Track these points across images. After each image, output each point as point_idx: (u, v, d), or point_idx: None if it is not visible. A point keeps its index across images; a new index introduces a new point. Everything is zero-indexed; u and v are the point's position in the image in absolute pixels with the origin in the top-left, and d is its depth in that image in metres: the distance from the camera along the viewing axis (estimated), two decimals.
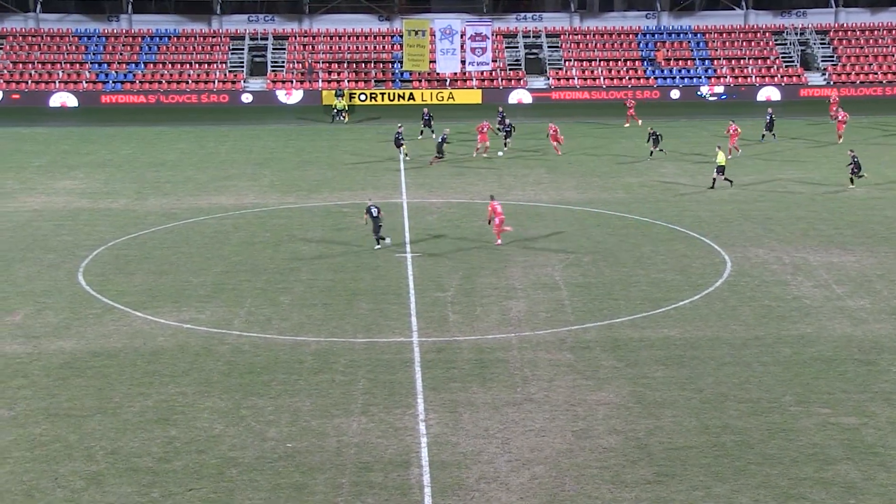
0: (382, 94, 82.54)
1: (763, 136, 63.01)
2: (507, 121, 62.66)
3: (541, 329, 30.99)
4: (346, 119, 73.56)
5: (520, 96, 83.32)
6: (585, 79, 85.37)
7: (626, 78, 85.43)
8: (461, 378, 27.30)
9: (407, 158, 56.59)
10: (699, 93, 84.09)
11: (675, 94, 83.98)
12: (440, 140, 56.71)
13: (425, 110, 66.42)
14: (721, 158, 49.94)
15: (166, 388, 26.63)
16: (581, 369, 27.90)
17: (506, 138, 61.44)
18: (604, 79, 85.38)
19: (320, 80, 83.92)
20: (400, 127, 58.31)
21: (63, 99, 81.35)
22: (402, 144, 57.27)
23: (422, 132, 64.48)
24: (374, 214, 39.42)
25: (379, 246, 39.62)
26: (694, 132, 67.32)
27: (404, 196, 49.32)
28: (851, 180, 49.82)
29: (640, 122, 69.25)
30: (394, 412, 25.20)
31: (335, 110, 74.10)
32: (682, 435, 23.96)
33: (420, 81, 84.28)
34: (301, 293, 34.47)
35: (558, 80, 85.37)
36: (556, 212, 45.81)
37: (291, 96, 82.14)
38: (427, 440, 23.68)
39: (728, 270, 36.89)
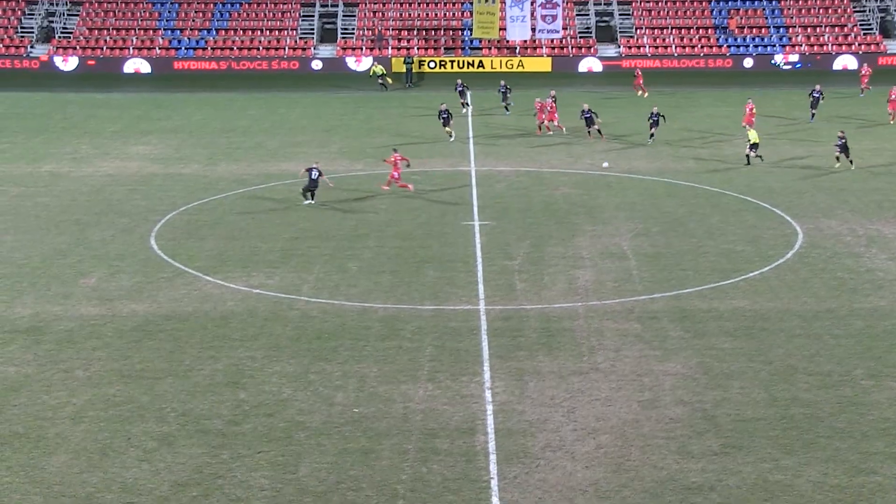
0: (452, 61, 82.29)
1: (812, 115, 59.27)
2: (469, 93, 62.82)
3: (608, 299, 30.85)
4: (391, 83, 73.32)
5: (590, 64, 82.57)
6: (657, 47, 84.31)
7: (699, 46, 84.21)
8: (527, 346, 27.30)
9: (452, 139, 54.36)
10: (773, 61, 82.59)
11: (748, 62, 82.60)
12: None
13: (459, 81, 64.53)
14: (753, 135, 48.36)
15: (236, 352, 27.01)
16: (648, 339, 27.74)
17: (462, 103, 61.50)
18: (675, 47, 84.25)
19: (390, 48, 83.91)
20: (443, 105, 55.54)
21: (137, 65, 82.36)
22: (448, 123, 54.32)
23: (464, 105, 62.42)
24: (313, 177, 41.01)
25: (307, 202, 41.10)
26: (767, 102, 66.18)
27: (473, 164, 49.25)
28: (837, 159, 47.56)
29: (645, 94, 68.16)
30: (460, 379, 25.31)
31: (377, 76, 73.52)
32: (750, 407, 23.75)
33: (490, 49, 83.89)
34: (369, 260, 34.67)
35: (629, 48, 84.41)
36: (625, 181, 45.45)
37: (361, 63, 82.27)
38: (493, 408, 23.75)
39: (799, 242, 36.36)
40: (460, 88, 63.31)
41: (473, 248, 35.83)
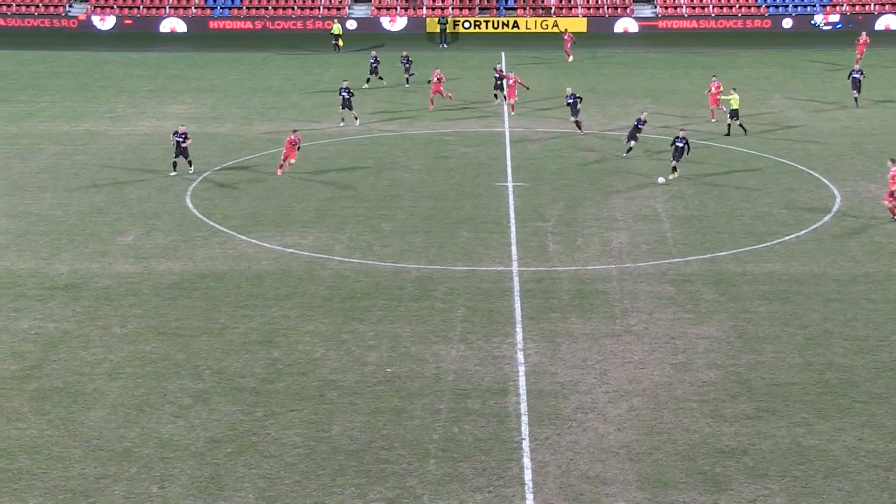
0: (486, 21, 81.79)
1: (856, 99, 52.23)
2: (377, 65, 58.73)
3: (642, 261, 30.73)
4: (341, 46, 71.80)
5: (626, 25, 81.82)
6: (694, 7, 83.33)
7: (737, 6, 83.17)
8: (560, 308, 27.29)
9: (357, 123, 48.36)
10: (813, 21, 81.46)
11: (787, 23, 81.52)
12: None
13: (404, 53, 59.84)
14: (735, 101, 45.73)
15: (270, 311, 27.18)
16: (682, 302, 27.64)
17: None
18: (713, 7, 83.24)
19: (424, 7, 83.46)
20: (344, 83, 49.12)
21: (173, 24, 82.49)
22: (349, 105, 48.32)
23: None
24: (180, 141, 39.64)
25: (174, 173, 39.90)
26: (806, 64, 65.41)
27: (507, 125, 49.06)
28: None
29: (570, 58, 66.34)
30: (492, 340, 25.35)
31: (332, 36, 72.62)
32: (785, 371, 23.65)
33: (525, 9, 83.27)
34: (402, 220, 34.69)
35: (666, 8, 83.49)
36: (660, 143, 45.11)
37: (395, 23, 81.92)
38: (525, 369, 23.80)
39: (837, 205, 36.01)
40: (404, 62, 59.05)
41: (507, 210, 35.76)
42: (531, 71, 63.60)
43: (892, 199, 33.90)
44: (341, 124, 48.54)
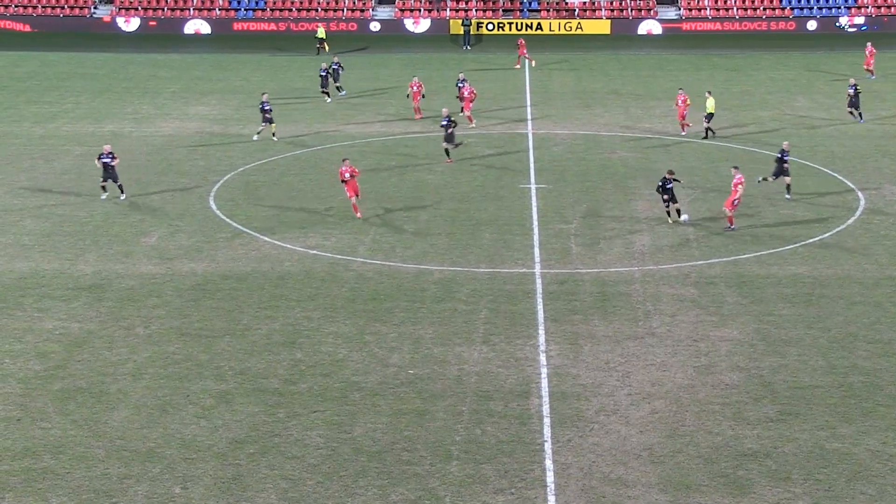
0: (510, 23, 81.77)
1: (859, 114, 48.96)
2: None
3: (664, 263, 30.65)
4: (326, 49, 70.84)
5: (649, 27, 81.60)
6: (718, 9, 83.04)
7: (761, 8, 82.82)
8: (583, 310, 27.25)
9: (275, 140, 46.03)
10: (838, 24, 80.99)
11: (811, 25, 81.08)
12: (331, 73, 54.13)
13: (335, 60, 57.41)
14: (710, 105, 45.05)
15: (292, 312, 27.26)
16: (705, 305, 27.56)
17: (330, 89, 54.73)
18: (737, 9, 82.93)
19: (448, 9, 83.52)
20: (264, 95, 46.91)
21: (197, 26, 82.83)
22: (269, 120, 45.97)
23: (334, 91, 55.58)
24: (108, 162, 36.62)
25: (104, 196, 36.84)
26: (831, 65, 65.10)
27: (530, 127, 49.02)
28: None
29: (518, 66, 64.59)
30: (515, 342, 25.35)
31: (317, 39, 72.05)
32: (808, 374, 23.54)
33: (548, 11, 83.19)
34: (425, 222, 34.73)
35: (690, 10, 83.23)
36: (683, 145, 44.99)
37: (419, 25, 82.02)
38: (547, 371, 23.78)
39: (861, 208, 35.80)
40: (335, 67, 56.13)
41: (530, 211, 35.74)
42: (554, 73, 63.53)
43: (733, 207, 32.88)
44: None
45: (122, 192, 37.38)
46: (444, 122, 42.32)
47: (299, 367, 24.11)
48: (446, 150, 42.35)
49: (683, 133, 46.71)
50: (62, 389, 23.12)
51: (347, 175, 34.70)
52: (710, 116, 45.43)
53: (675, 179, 34.04)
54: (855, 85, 49.07)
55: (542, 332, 25.94)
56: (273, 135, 46.12)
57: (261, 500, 18.96)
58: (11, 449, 20.69)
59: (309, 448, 20.62)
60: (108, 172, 37.06)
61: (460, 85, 49.80)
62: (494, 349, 24.97)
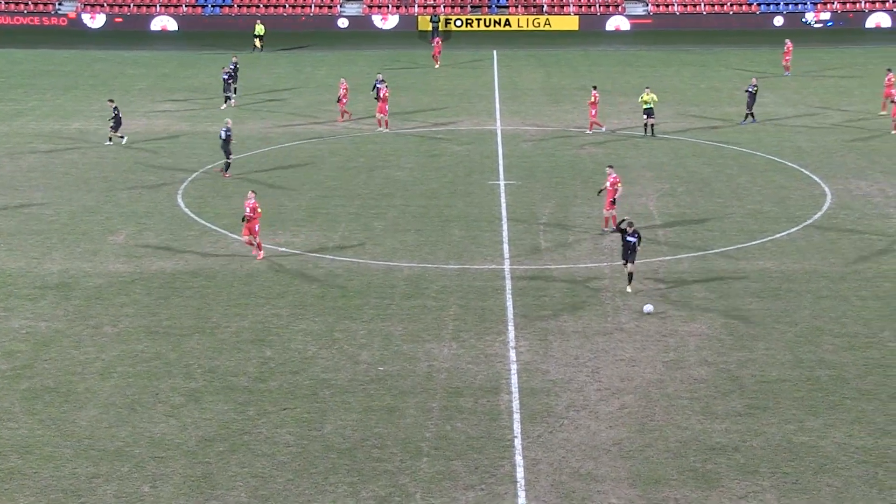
0: (478, 19, 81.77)
1: (746, 116, 48.12)
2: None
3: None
4: (261, 47, 70.18)
5: (618, 23, 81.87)
6: (685, 5, 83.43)
7: (728, 4, 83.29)
8: (552, 306, 27.33)
9: (124, 141, 44.63)
10: (804, 19, 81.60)
11: (778, 20, 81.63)
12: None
13: (234, 60, 55.19)
14: (650, 100, 44.89)
15: (262, 310, 27.18)
16: (673, 300, 27.71)
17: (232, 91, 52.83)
18: (704, 5, 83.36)
19: (416, 6, 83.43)
20: (112, 102, 45.62)
21: (164, 23, 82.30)
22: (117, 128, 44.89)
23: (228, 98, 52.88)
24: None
25: None
26: (797, 60, 65.47)
27: (499, 123, 49.08)
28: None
29: (438, 65, 64.30)
30: (484, 339, 25.39)
31: (255, 36, 71.14)
32: (776, 368, 23.73)
33: (517, 7, 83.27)
34: (394, 219, 34.71)
35: (657, 6, 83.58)
36: (652, 141, 45.18)
37: (387, 21, 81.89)
38: (517, 367, 23.84)
39: (828, 203, 36.10)
40: (232, 67, 53.57)
41: (499, 208, 35.80)
42: (523, 69, 63.63)
43: (612, 207, 32.58)
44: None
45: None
46: (225, 135, 39.40)
47: (269, 365, 24.05)
48: (226, 166, 39.86)
49: (590, 131, 46.07)
50: (29, 389, 22.94)
51: (248, 210, 30.29)
52: (649, 112, 45.05)
53: (635, 233, 28.13)
54: (755, 86, 48.29)
55: (511, 328, 26.00)
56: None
57: (231, 498, 18.90)
58: None
59: (279, 446, 20.57)
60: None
61: (378, 85, 47.79)
62: (464, 345, 25.00)
